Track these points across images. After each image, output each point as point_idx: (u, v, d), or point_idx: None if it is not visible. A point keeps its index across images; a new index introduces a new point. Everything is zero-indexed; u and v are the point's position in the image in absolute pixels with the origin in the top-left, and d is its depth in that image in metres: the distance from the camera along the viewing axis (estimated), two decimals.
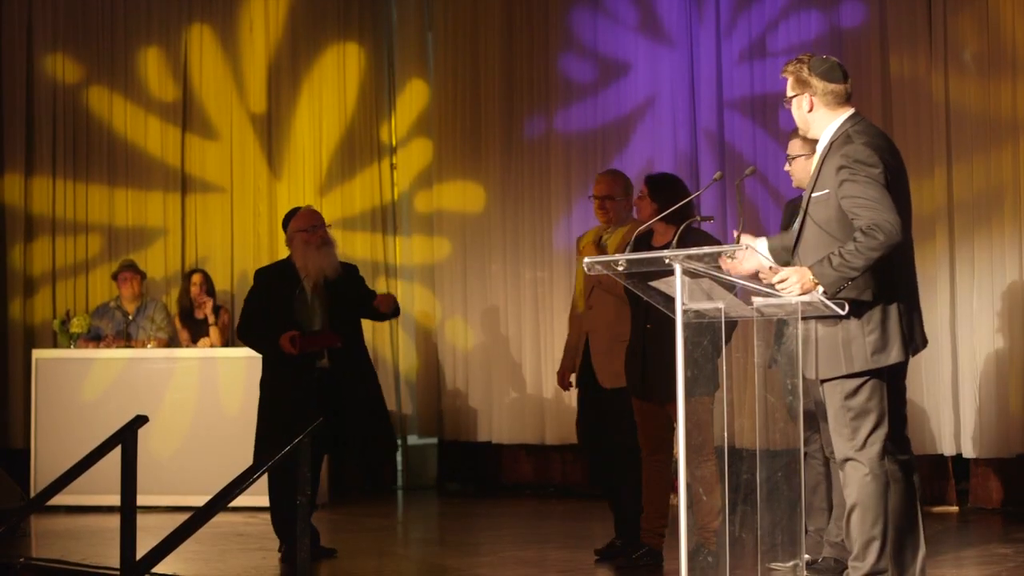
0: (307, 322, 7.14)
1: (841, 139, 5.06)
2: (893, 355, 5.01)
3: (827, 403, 5.14)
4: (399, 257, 11.70)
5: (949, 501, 8.86)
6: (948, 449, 8.78)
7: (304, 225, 7.28)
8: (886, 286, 5.01)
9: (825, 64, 5.14)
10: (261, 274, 7.46)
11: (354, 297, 7.26)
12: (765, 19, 9.74)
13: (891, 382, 5.10)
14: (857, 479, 5.04)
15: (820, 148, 5.17)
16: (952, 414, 8.73)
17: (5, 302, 11.16)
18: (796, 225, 5.23)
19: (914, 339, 5.09)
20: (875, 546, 5.01)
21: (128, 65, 11.41)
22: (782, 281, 4.92)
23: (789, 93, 5.19)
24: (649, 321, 6.52)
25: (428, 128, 11.72)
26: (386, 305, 7.20)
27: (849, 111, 5.13)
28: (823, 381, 5.11)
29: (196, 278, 10.49)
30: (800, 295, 4.93)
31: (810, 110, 5.14)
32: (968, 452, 8.71)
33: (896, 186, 5.00)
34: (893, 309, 5.01)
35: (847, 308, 4.96)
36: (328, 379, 7.10)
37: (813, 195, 5.11)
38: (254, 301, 7.28)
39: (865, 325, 4.99)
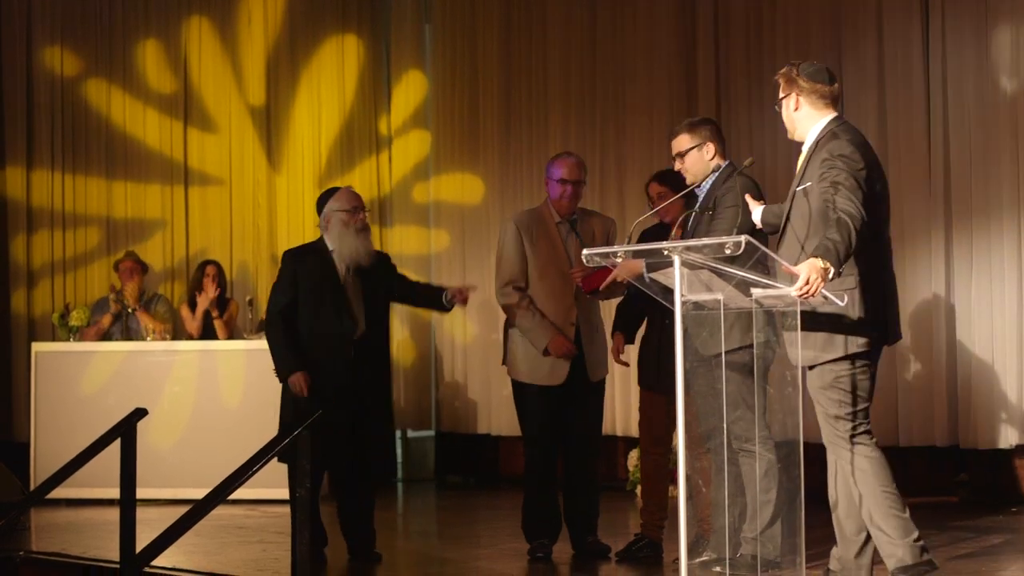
0: (343, 308, 6.83)
1: (827, 136, 5.27)
2: (874, 340, 5.21)
3: (811, 389, 5.30)
4: (399, 249, 11.70)
5: (947, 492, 8.87)
6: (946, 440, 8.78)
7: (345, 206, 6.89)
8: (862, 277, 5.20)
9: (812, 67, 5.40)
10: (290, 256, 7.02)
11: (387, 286, 7.01)
12: (764, 22, 9.74)
13: (870, 370, 5.28)
14: (856, 465, 5.20)
15: (806, 148, 5.37)
16: (946, 406, 8.73)
17: (8, 295, 11.16)
18: (782, 220, 5.40)
19: (887, 330, 5.30)
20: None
21: (127, 58, 11.41)
22: (805, 284, 4.86)
23: (779, 95, 5.42)
24: (667, 316, 6.47)
25: (426, 120, 11.72)
26: (463, 300, 6.93)
27: (834, 113, 5.37)
28: (810, 368, 5.28)
29: (210, 269, 10.44)
30: (822, 287, 4.92)
31: (796, 109, 5.37)
32: (965, 443, 8.71)
33: (875, 186, 5.21)
34: (869, 299, 5.19)
35: (846, 299, 5.03)
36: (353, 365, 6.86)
37: (797, 189, 5.30)
38: (284, 283, 6.90)
39: (849, 311, 5.16)
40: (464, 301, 7.01)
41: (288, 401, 6.87)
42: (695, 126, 6.21)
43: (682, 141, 6.18)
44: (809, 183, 5.22)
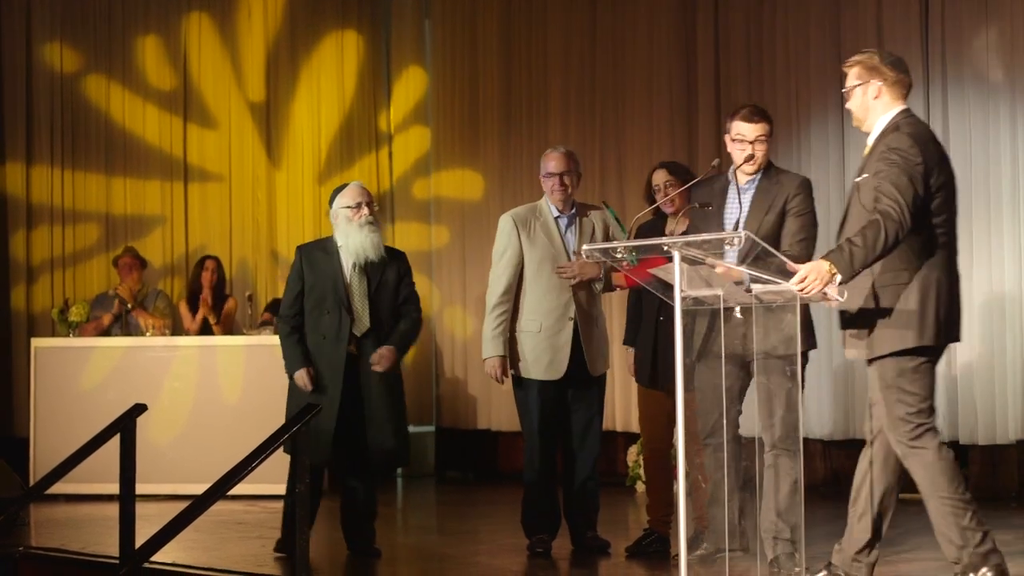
0: (343, 304, 6.85)
1: (891, 128, 5.19)
2: (926, 337, 5.09)
3: (871, 383, 5.22)
4: (400, 245, 11.68)
5: None
6: (946, 435, 8.77)
7: (349, 202, 6.94)
8: (923, 272, 5.10)
9: (893, 56, 5.32)
10: (300, 250, 7.11)
11: (395, 285, 7.00)
12: (764, 22, 9.73)
13: (924, 367, 5.16)
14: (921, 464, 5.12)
15: (871, 140, 5.26)
16: (946, 401, 8.73)
17: (7, 291, 11.16)
18: (844, 210, 5.33)
19: (948, 327, 5.16)
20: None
21: (126, 54, 11.40)
22: (802, 281, 4.89)
23: (853, 82, 5.28)
24: (662, 314, 6.46)
25: (426, 116, 11.72)
26: (382, 364, 6.85)
27: (904, 106, 5.26)
28: (869, 361, 5.20)
29: (209, 264, 10.45)
30: (821, 288, 4.91)
31: (876, 97, 5.25)
32: (965, 438, 8.71)
33: (936, 181, 5.10)
34: (922, 297, 5.09)
35: (846, 295, 4.99)
36: (352, 367, 6.87)
37: (857, 180, 5.22)
38: (292, 276, 7.01)
39: (902, 306, 5.08)
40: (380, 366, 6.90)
41: (293, 396, 6.91)
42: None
43: (766, 127, 5.96)
44: (866, 175, 5.14)
